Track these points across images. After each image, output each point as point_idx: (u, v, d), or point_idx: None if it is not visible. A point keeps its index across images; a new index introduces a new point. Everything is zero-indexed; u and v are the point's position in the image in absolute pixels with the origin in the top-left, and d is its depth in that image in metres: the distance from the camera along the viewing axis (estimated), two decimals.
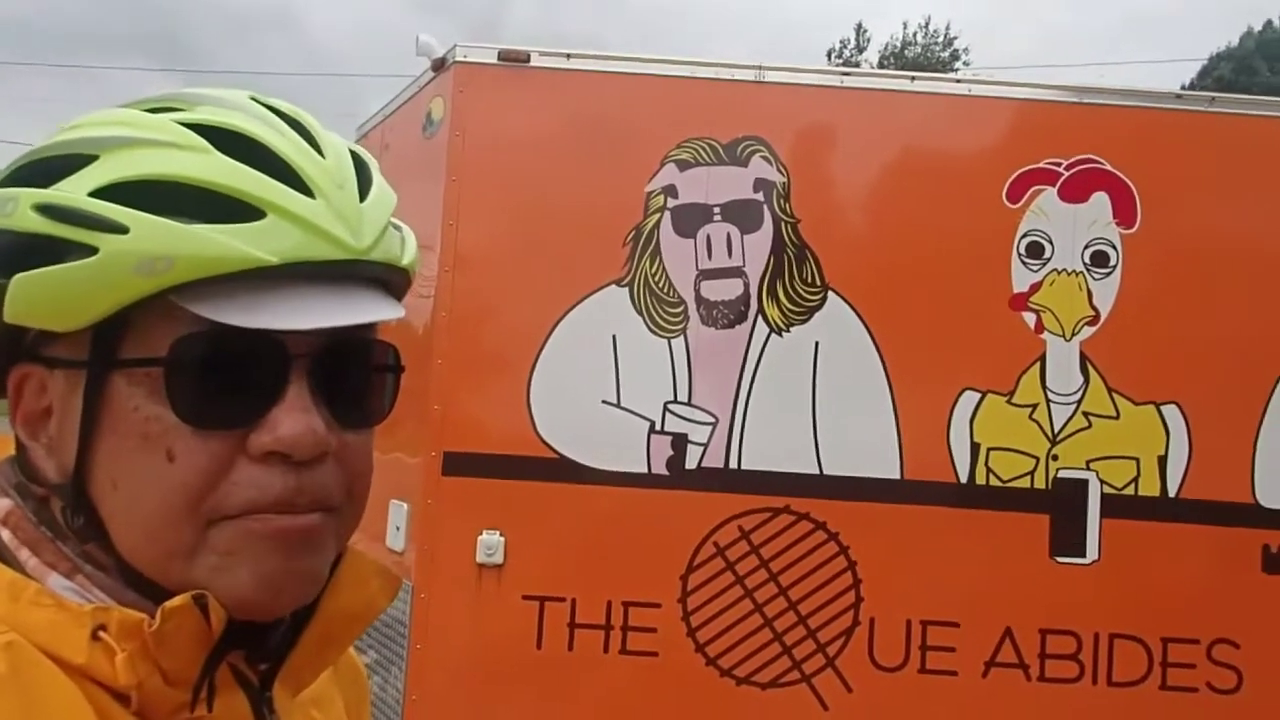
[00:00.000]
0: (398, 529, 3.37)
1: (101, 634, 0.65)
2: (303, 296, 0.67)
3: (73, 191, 0.65)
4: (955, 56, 31.98)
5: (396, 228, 0.78)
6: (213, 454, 0.67)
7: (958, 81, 3.49)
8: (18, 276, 0.65)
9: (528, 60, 3.30)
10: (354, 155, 0.76)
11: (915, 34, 32.64)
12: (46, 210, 0.65)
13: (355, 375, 0.73)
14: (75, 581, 0.69)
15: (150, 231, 0.64)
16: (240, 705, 0.72)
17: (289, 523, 0.68)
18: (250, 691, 0.73)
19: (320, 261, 0.68)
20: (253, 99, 0.74)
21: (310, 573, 0.71)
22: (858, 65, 30.56)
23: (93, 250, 0.64)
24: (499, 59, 3.30)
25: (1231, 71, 23.75)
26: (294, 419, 0.67)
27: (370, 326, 0.74)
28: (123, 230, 0.64)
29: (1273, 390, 3.28)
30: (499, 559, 3.21)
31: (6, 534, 0.70)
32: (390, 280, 0.76)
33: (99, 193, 0.65)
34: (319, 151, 0.72)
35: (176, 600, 0.66)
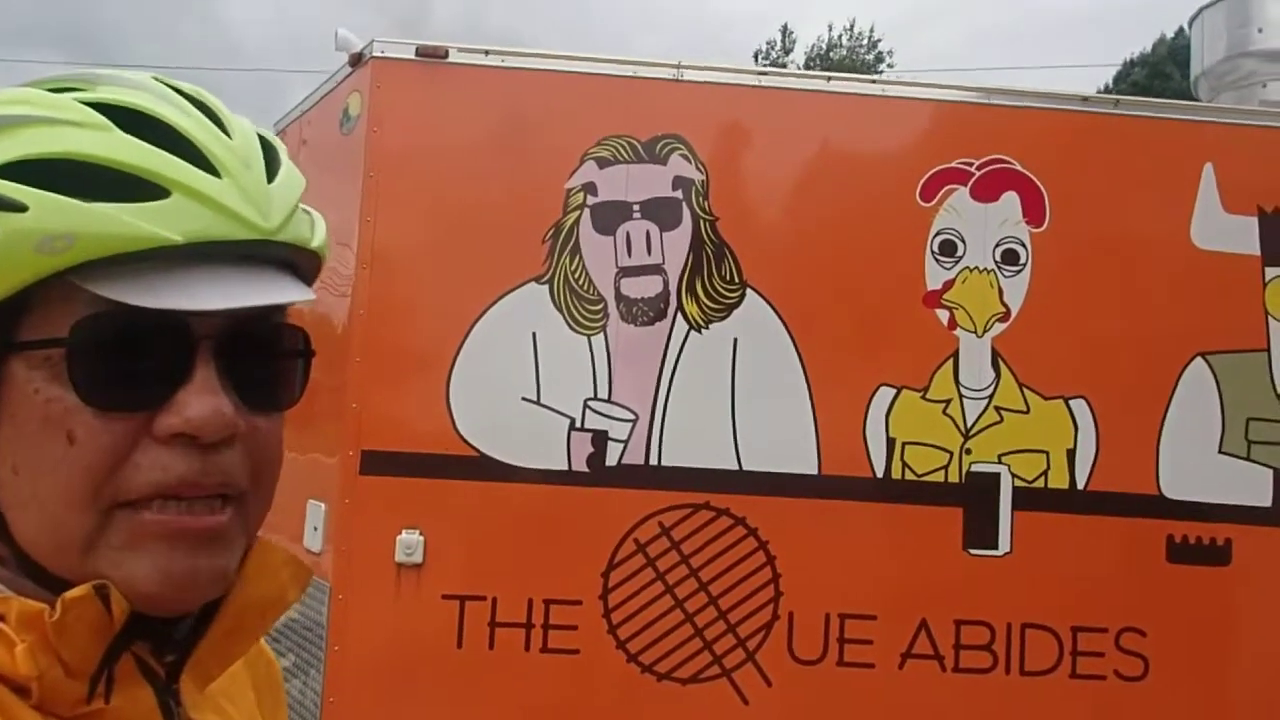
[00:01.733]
0: (315, 529, 3.32)
1: (0, 625, 0.63)
2: (209, 277, 0.66)
3: None
4: (879, 59, 32.38)
5: (306, 211, 0.76)
6: (115, 435, 0.65)
7: (873, 82, 3.54)
8: None
9: (446, 56, 3.28)
10: (261, 138, 0.74)
11: (840, 36, 33.00)
12: None
13: (264, 359, 0.72)
14: None
15: (50, 209, 0.62)
16: (145, 698, 0.70)
17: (192, 523, 0.67)
18: (156, 683, 0.71)
19: (227, 241, 0.66)
20: (156, 79, 0.72)
21: (216, 570, 0.69)
22: (784, 67, 30.86)
23: None
24: (417, 54, 3.27)
25: (1145, 76, 24.37)
26: (201, 400, 0.65)
27: (281, 310, 0.73)
28: (21, 209, 0.62)
29: (1176, 384, 3.38)
30: (418, 558, 3.18)
31: None
32: (300, 263, 0.74)
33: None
34: (225, 132, 0.71)
35: (77, 590, 0.64)
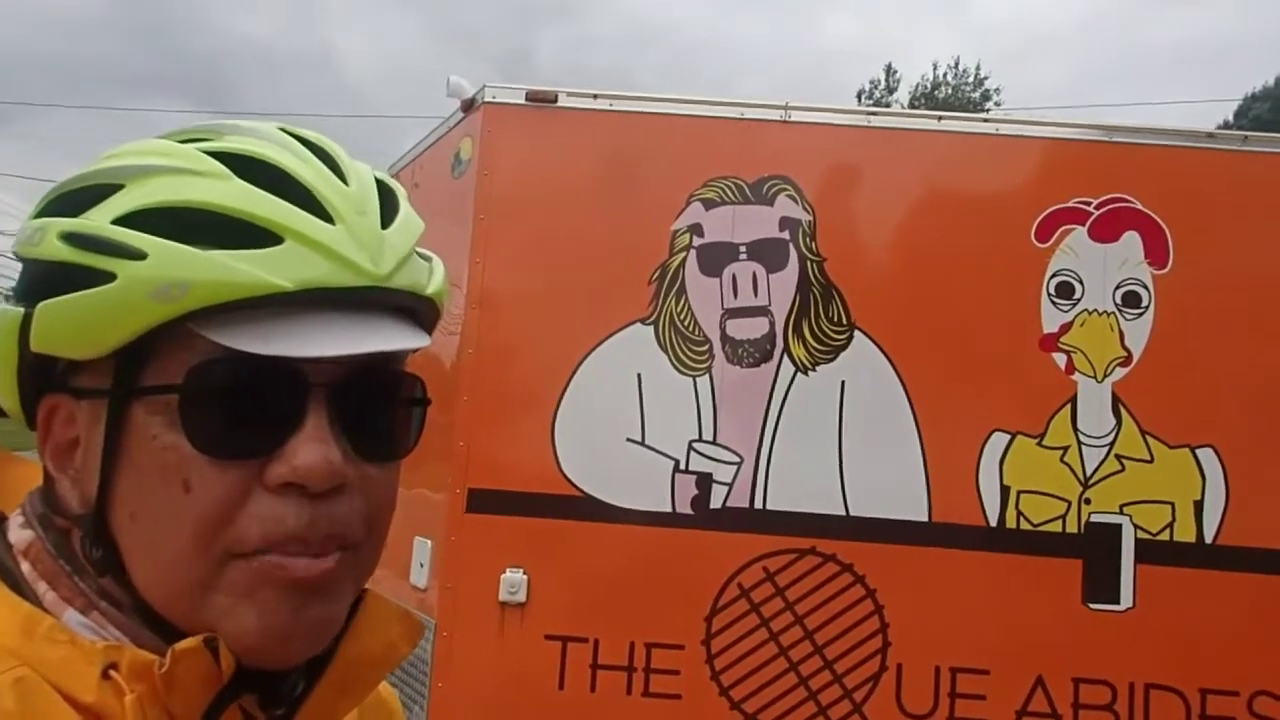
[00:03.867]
0: (421, 566, 3.36)
1: (112, 673, 0.64)
2: (322, 324, 0.66)
3: (97, 220, 0.66)
4: (986, 96, 31.92)
5: (425, 257, 0.77)
6: (229, 485, 0.65)
7: (985, 120, 3.46)
8: (41, 305, 0.66)
9: (555, 100, 3.33)
10: (380, 183, 0.75)
11: (945, 74, 32.64)
12: (71, 238, 0.65)
13: (379, 407, 0.71)
14: (90, 618, 0.68)
15: (167, 257, 0.64)
16: None
17: (305, 569, 0.66)
18: None
19: (339, 288, 0.67)
20: (281, 129, 0.74)
21: (323, 620, 0.70)
22: (888, 106, 30.58)
23: (111, 276, 0.64)
24: (527, 99, 3.33)
25: (1268, 111, 23.48)
26: (310, 449, 0.65)
27: (397, 358, 0.74)
28: (140, 256, 0.64)
29: None
30: (522, 597, 3.19)
31: (26, 566, 0.70)
32: (417, 309, 0.75)
33: (121, 220, 0.65)
34: (343, 179, 0.72)
35: (188, 642, 0.65)
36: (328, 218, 0.68)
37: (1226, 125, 22.86)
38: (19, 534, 0.71)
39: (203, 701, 0.66)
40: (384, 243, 0.70)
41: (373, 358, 0.68)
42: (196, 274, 0.63)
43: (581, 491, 3.22)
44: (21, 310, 0.67)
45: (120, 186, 0.67)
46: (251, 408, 0.66)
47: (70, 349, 0.66)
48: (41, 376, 0.70)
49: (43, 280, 0.66)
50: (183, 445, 0.65)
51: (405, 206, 0.76)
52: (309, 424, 0.66)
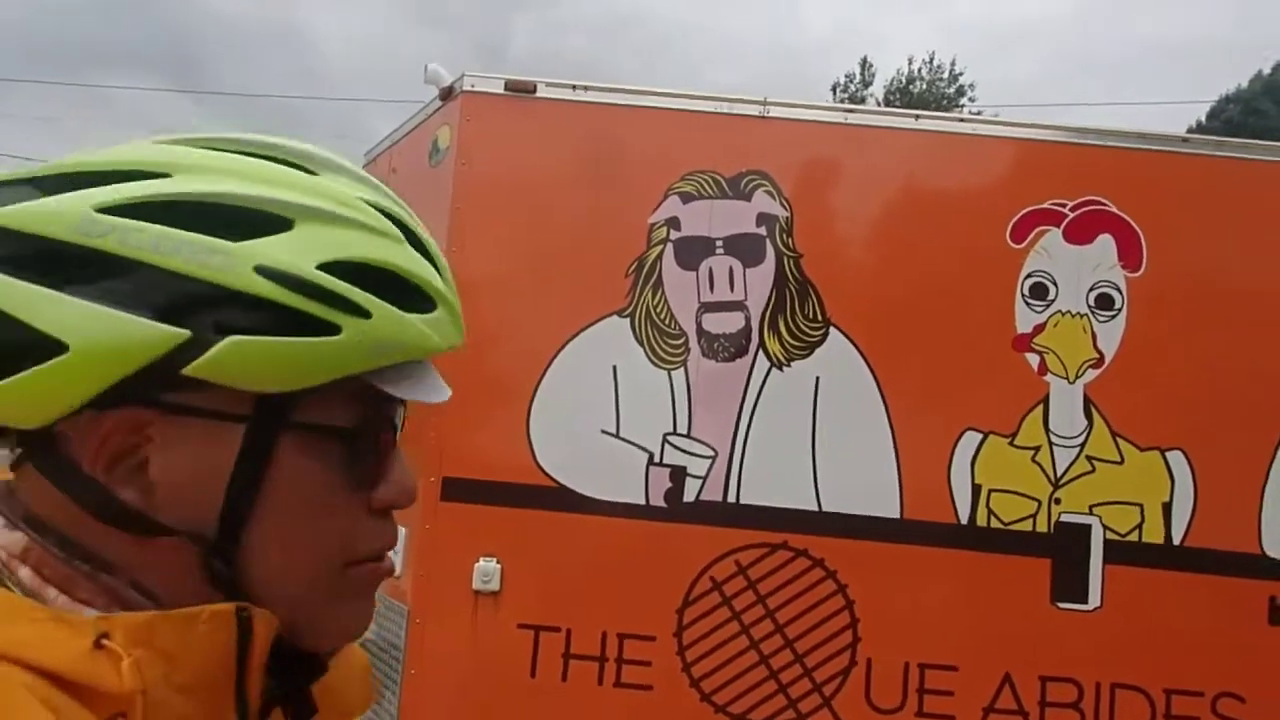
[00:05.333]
0: (395, 553, 3.36)
1: (105, 641, 0.62)
2: (423, 372, 0.74)
3: (293, 260, 0.66)
4: (961, 92, 31.89)
5: None
6: (356, 508, 0.73)
7: (962, 120, 3.48)
8: (237, 339, 0.64)
9: (534, 91, 3.34)
10: None
11: (920, 69, 32.62)
12: (280, 279, 0.65)
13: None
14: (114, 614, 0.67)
15: (386, 318, 0.69)
16: None
17: (386, 568, 0.77)
18: None
19: (452, 347, 0.76)
20: (360, 170, 0.78)
21: (372, 612, 0.79)
22: (862, 100, 30.57)
23: (335, 329, 0.67)
24: (506, 89, 3.34)
25: (1240, 113, 23.54)
26: (407, 476, 0.76)
27: None
28: (366, 315, 0.68)
29: None
30: (495, 586, 3.20)
31: (27, 572, 0.67)
32: None
33: (326, 268, 0.67)
34: None
35: (219, 605, 0.66)
36: (446, 282, 0.76)
37: (1199, 126, 22.92)
38: (6, 536, 0.68)
39: (214, 670, 0.66)
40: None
41: None
42: (404, 336, 0.70)
43: (556, 482, 3.23)
44: (185, 333, 0.64)
45: (289, 222, 0.67)
46: (383, 445, 0.75)
47: (250, 384, 0.66)
48: (129, 388, 0.65)
49: (222, 308, 0.65)
50: (331, 478, 0.71)
51: None
52: (397, 454, 0.76)
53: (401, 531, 3.32)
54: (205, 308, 0.64)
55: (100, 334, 0.63)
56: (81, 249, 0.64)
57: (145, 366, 0.64)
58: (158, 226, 0.65)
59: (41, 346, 0.63)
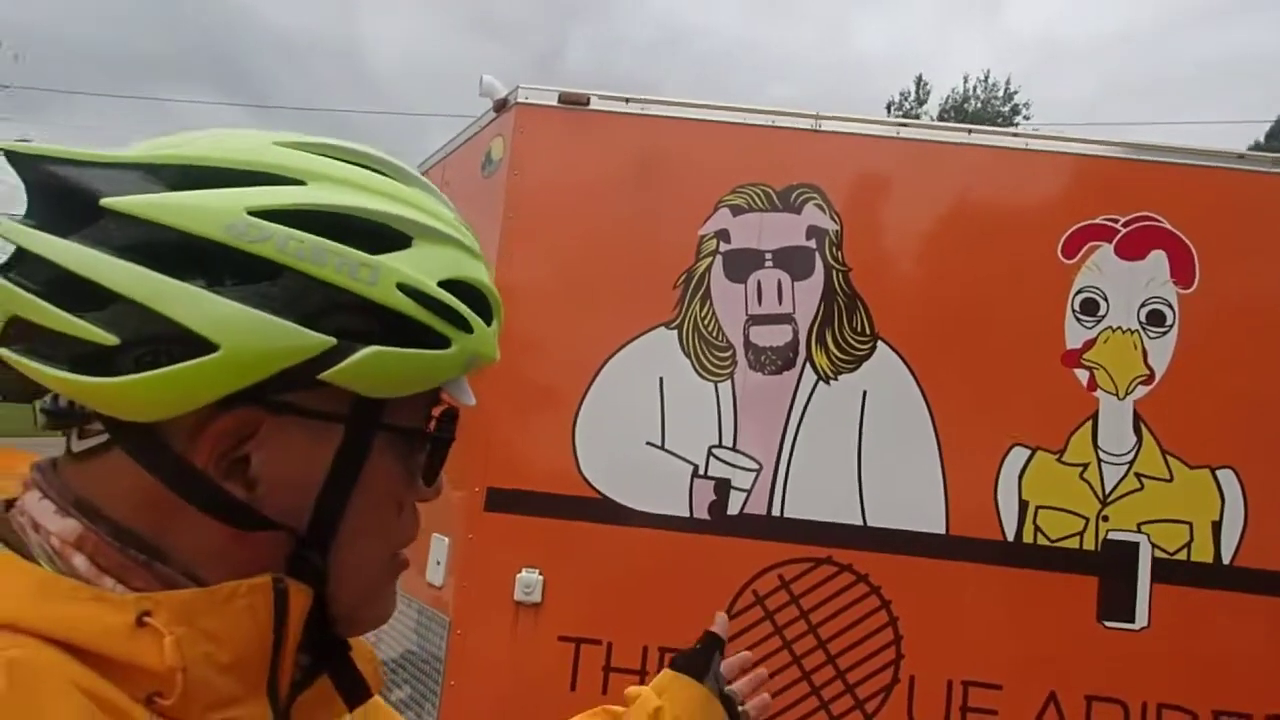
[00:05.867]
0: (438, 563, 3.36)
1: (147, 619, 0.63)
2: (462, 379, 0.80)
3: (419, 277, 0.71)
4: (1015, 110, 31.91)
5: None
6: (413, 504, 0.81)
7: (1014, 135, 3.46)
8: (378, 349, 0.69)
9: (587, 103, 3.34)
10: None
11: (975, 87, 32.63)
12: (414, 295, 0.71)
13: None
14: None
15: (482, 334, 0.76)
16: (265, 717, 0.71)
17: (405, 558, 0.82)
18: (275, 706, 0.72)
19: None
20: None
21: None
22: (918, 118, 30.58)
23: (446, 342, 0.73)
24: (559, 101, 3.34)
25: None
26: (442, 475, 0.83)
27: None
28: (469, 329, 0.74)
29: None
30: (537, 598, 3.19)
31: (82, 560, 0.67)
32: None
33: (445, 285, 0.73)
34: None
35: (257, 579, 0.69)
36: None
37: (1257, 146, 22.84)
38: (59, 523, 0.68)
39: (254, 645, 0.68)
40: None
41: None
42: (487, 349, 0.78)
43: (600, 493, 3.22)
44: (332, 340, 0.68)
45: (409, 239, 0.72)
46: (447, 445, 0.82)
47: (376, 390, 0.72)
48: (261, 390, 0.68)
49: (368, 322, 0.69)
50: (403, 473, 0.77)
51: None
52: None
53: (444, 541, 3.33)
54: (347, 316, 0.68)
55: (251, 336, 0.64)
56: (235, 250, 0.65)
57: (285, 369, 0.66)
58: (313, 236, 0.67)
59: (187, 343, 0.64)
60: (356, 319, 0.68)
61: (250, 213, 0.66)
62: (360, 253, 0.68)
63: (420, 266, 0.71)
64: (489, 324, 0.77)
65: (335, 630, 0.77)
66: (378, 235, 0.70)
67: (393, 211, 0.71)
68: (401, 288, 0.69)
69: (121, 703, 0.62)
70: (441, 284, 0.72)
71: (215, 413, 0.67)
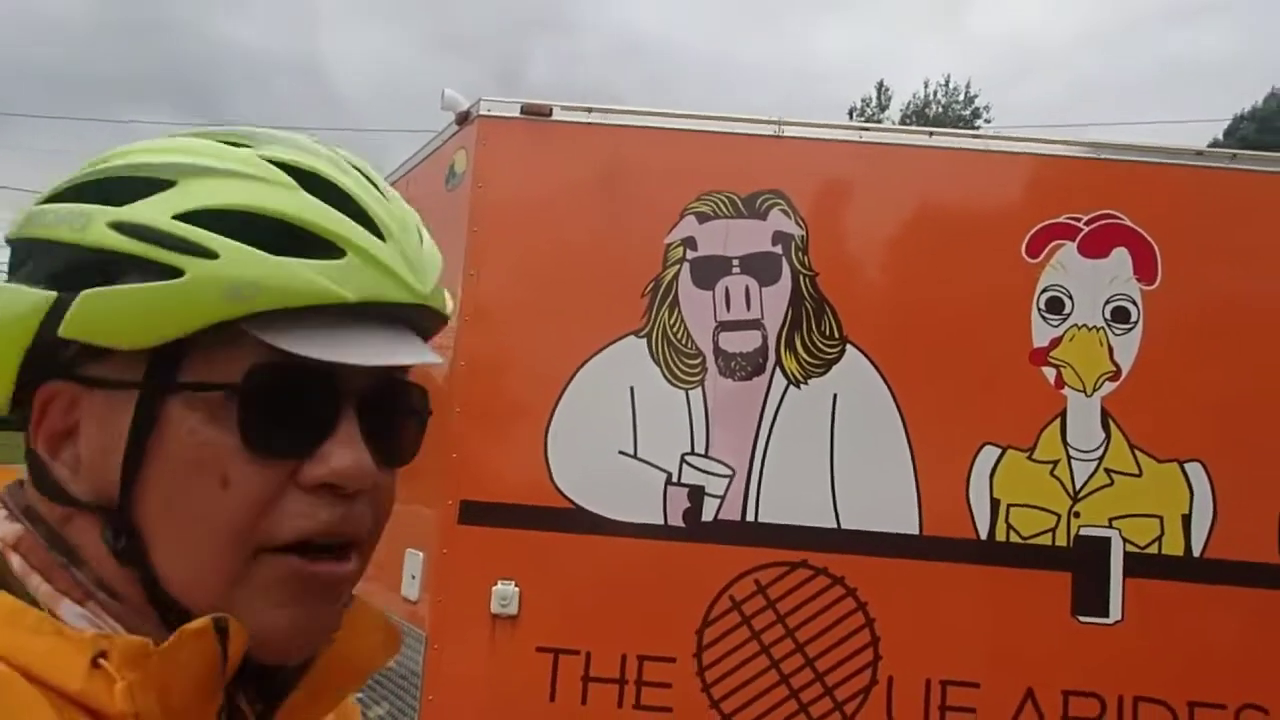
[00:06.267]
0: (413, 578, 3.35)
1: (101, 661, 0.63)
2: (363, 335, 0.69)
3: (152, 214, 0.66)
4: (977, 114, 32.13)
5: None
6: (267, 482, 0.67)
7: (976, 137, 3.49)
8: (87, 292, 0.65)
9: (550, 114, 3.34)
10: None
11: (936, 92, 32.84)
12: (127, 229, 0.65)
13: (395, 416, 0.75)
14: (87, 608, 0.68)
15: (240, 258, 0.65)
16: None
17: (330, 569, 0.70)
18: None
19: (391, 303, 0.70)
20: (316, 141, 0.76)
21: (332, 621, 0.73)
22: (880, 123, 30.74)
23: (177, 272, 0.64)
24: (522, 113, 3.35)
25: (1255, 131, 23.77)
26: (347, 452, 0.68)
27: (406, 370, 0.77)
28: (212, 255, 0.65)
29: None
30: (513, 610, 3.19)
31: (17, 560, 0.68)
32: (429, 329, 0.78)
33: (185, 217, 0.66)
34: (384, 197, 0.75)
35: (197, 623, 0.65)
36: (380, 235, 0.71)
37: (1216, 144, 23.11)
38: (6, 527, 0.70)
39: (202, 687, 0.66)
40: (425, 261, 0.74)
41: (394, 369, 0.72)
42: (268, 277, 0.65)
43: (574, 504, 3.22)
44: (53, 294, 0.66)
45: (171, 183, 0.67)
46: (297, 410, 0.68)
47: (111, 338, 0.66)
48: (45, 362, 0.68)
49: (81, 268, 0.66)
50: (225, 441, 0.66)
51: (425, 232, 0.79)
52: (343, 429, 0.69)
53: (419, 556, 3.32)
54: (75, 271, 0.66)
55: (2, 309, 0.68)
56: (15, 240, 0.70)
57: (37, 335, 0.67)
58: (54, 205, 0.68)
59: None
60: (73, 269, 0.66)
61: (37, 204, 0.70)
62: (83, 205, 0.67)
63: (162, 205, 0.66)
64: (305, 256, 0.67)
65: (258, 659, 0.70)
66: (134, 187, 0.68)
67: (148, 161, 0.69)
68: (118, 228, 0.65)
69: None
70: (182, 216, 0.65)
71: (33, 395, 0.70)
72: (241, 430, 0.66)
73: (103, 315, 0.65)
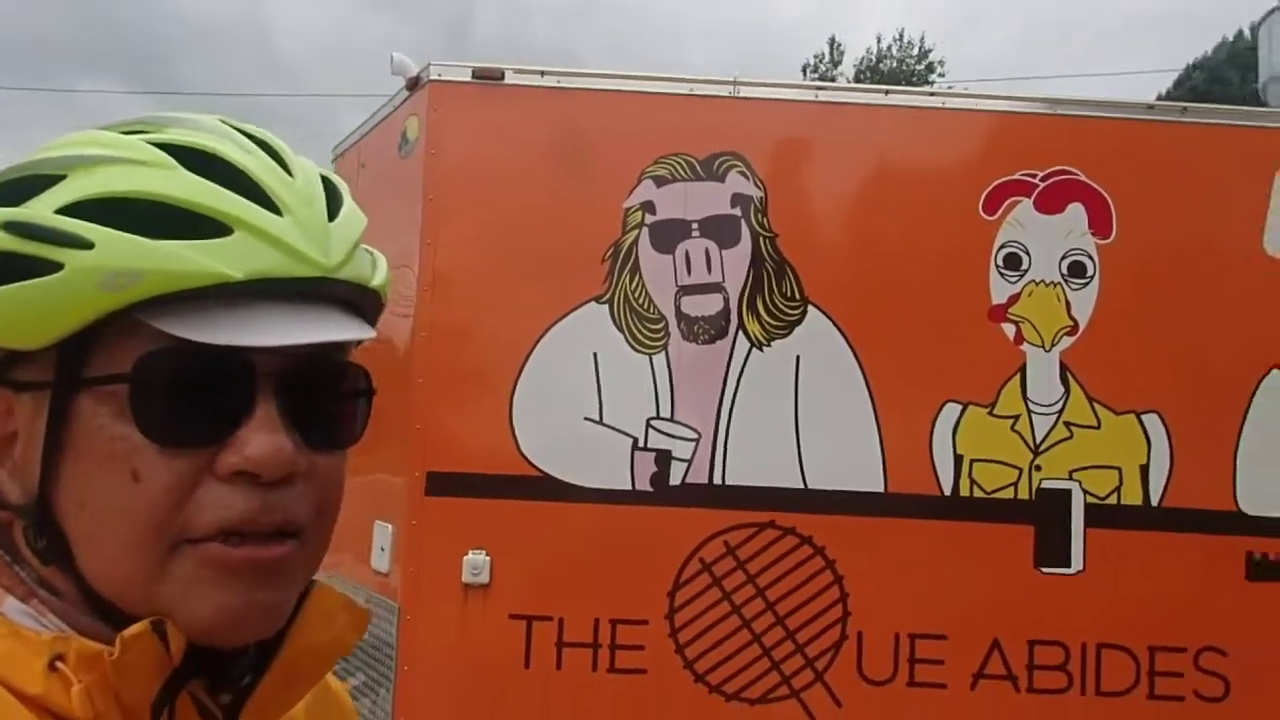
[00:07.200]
0: (382, 550, 3.35)
1: (59, 664, 0.63)
2: (270, 314, 0.67)
3: (40, 209, 0.65)
4: (930, 69, 32.09)
5: (368, 251, 0.77)
6: (178, 473, 0.65)
7: (931, 94, 3.50)
8: None
9: (502, 78, 3.31)
10: (324, 178, 0.76)
11: (890, 47, 32.78)
12: (12, 228, 0.64)
13: (325, 397, 0.72)
14: (31, 606, 0.68)
15: (115, 247, 0.63)
16: None
17: (254, 553, 0.67)
18: None
19: (288, 278, 0.67)
20: (223, 121, 0.73)
21: (273, 605, 0.70)
22: (833, 80, 30.64)
23: (57, 266, 0.63)
24: (473, 77, 3.31)
25: (1204, 81, 24.07)
26: (262, 438, 0.66)
27: (342, 349, 0.74)
28: (87, 245, 0.63)
29: (1251, 397, 3.30)
30: (485, 579, 3.19)
31: None
32: (361, 302, 0.75)
33: (65, 210, 0.64)
34: (288, 171, 0.72)
35: (135, 628, 0.64)
36: (275, 209, 0.68)
37: (1166, 95, 23.31)
38: None
39: (153, 688, 0.66)
40: (331, 234, 0.71)
41: (318, 348, 0.69)
42: (147, 263, 0.63)
43: (541, 472, 3.22)
44: None
45: (62, 177, 0.66)
46: (201, 397, 0.66)
47: (11, 339, 0.66)
48: None
49: None
50: (131, 435, 0.65)
51: (349, 200, 0.77)
52: (259, 414, 0.67)
53: (388, 528, 3.31)
54: None
55: None
56: None
57: None
58: None
59: None
60: None
61: None
62: None
63: (47, 200, 0.65)
64: (189, 237, 0.65)
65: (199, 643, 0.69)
66: (28, 186, 0.66)
67: (45, 157, 0.68)
68: (7, 227, 0.64)
69: None
70: (65, 209, 0.64)
71: None
72: (137, 421, 0.65)
73: (1, 317, 0.65)
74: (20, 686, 0.62)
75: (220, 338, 0.64)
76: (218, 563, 0.66)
